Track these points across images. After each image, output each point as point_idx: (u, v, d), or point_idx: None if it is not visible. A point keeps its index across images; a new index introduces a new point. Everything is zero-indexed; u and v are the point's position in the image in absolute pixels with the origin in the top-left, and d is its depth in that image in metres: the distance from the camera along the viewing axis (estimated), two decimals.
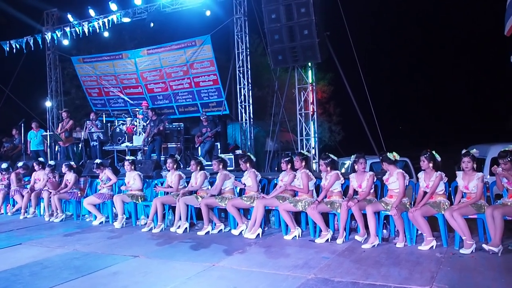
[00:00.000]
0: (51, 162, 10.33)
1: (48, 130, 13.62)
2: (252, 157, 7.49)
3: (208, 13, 13.07)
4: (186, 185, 8.03)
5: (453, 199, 6.12)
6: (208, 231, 7.25)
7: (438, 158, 6.08)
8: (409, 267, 5.06)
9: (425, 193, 6.06)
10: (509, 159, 5.61)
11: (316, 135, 11.33)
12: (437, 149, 6.22)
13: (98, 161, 9.03)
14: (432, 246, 5.74)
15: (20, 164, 10.71)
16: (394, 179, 6.18)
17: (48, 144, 12.62)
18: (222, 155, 7.92)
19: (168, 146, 12.51)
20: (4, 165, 10.68)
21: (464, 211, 5.67)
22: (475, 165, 5.83)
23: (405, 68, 32.61)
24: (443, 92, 32.68)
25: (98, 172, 8.89)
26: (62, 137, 11.94)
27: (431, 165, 6.00)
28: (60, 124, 12.49)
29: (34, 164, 10.09)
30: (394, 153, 6.31)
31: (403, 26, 29.86)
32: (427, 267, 5.01)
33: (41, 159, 10.61)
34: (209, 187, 7.78)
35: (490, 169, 10.30)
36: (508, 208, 5.55)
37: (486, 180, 6.23)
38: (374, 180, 6.59)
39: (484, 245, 5.45)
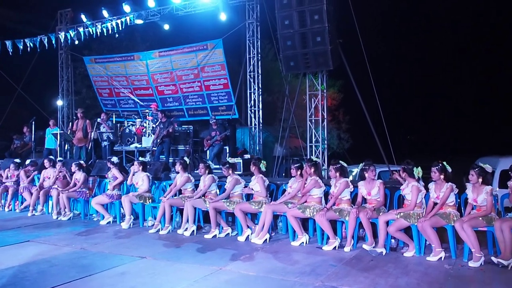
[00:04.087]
0: (60, 159, 10.42)
1: (58, 129, 13.69)
2: (262, 166, 7.43)
3: (223, 16, 13.09)
4: (195, 188, 8.06)
5: (463, 211, 6.09)
6: (215, 235, 7.24)
7: (449, 169, 6.05)
8: (417, 277, 5.03)
9: (435, 204, 6.03)
10: None
11: (325, 142, 11.31)
12: (447, 160, 6.19)
13: (114, 159, 9.03)
14: (441, 257, 5.70)
15: (28, 161, 10.80)
16: (408, 191, 6.16)
17: (58, 143, 12.70)
18: (231, 159, 7.92)
19: (177, 148, 12.54)
20: (17, 160, 10.82)
21: (475, 223, 5.64)
22: (480, 179, 5.77)
23: (416, 77, 32.54)
24: (454, 102, 32.53)
25: (109, 165, 8.91)
26: (80, 136, 12.02)
27: (442, 176, 5.97)
28: (75, 124, 12.54)
29: (45, 162, 10.16)
30: (419, 170, 6.27)
31: (415, 36, 29.81)
32: (436, 278, 4.99)
33: (51, 157, 10.67)
34: (217, 190, 7.79)
35: (499, 182, 10.29)
36: None
37: (496, 193, 6.18)
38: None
39: (493, 258, 5.42)
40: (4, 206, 10.45)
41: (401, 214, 6.01)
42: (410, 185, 6.17)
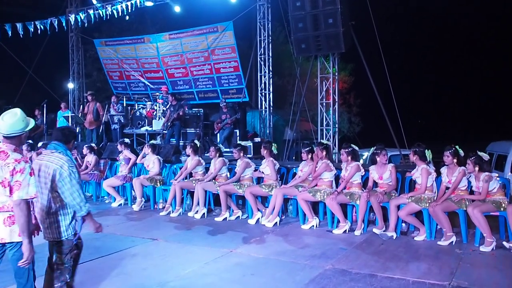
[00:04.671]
0: None
1: (70, 112, 13.76)
2: (273, 149, 7.45)
3: None
4: (205, 171, 8.08)
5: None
6: (226, 218, 7.29)
7: (462, 153, 6.00)
8: (428, 261, 5.03)
9: (447, 188, 5.98)
10: None
11: (336, 126, 11.24)
12: (459, 144, 6.13)
13: (126, 140, 9.12)
14: (452, 242, 5.69)
15: (39, 144, 10.88)
16: (418, 174, 6.12)
17: (70, 125, 12.76)
18: (242, 142, 7.93)
19: (187, 131, 12.55)
20: (29, 141, 10.92)
21: (485, 208, 5.60)
22: (477, 168, 5.76)
23: (428, 61, 32.08)
24: (466, 86, 32.03)
25: (120, 148, 8.98)
26: (91, 119, 12.08)
27: (455, 160, 5.93)
28: (86, 107, 12.57)
29: None
30: (430, 153, 6.24)
31: (427, 20, 29.30)
32: (446, 263, 4.97)
33: None
34: (228, 173, 7.81)
35: None
36: None
37: (507, 177, 6.12)
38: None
39: (504, 243, 5.41)
40: None
41: (413, 198, 5.99)
42: (419, 168, 6.13)
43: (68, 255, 3.64)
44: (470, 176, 5.95)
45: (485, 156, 5.87)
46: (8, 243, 3.33)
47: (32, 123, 3.52)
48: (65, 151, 3.64)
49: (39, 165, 3.57)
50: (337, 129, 11.30)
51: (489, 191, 5.72)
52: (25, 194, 3.20)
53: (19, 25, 13.86)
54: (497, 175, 5.88)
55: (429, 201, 5.92)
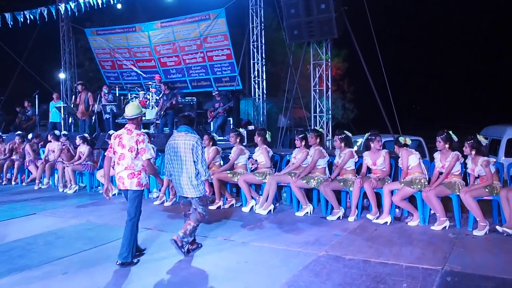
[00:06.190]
0: (65, 132, 10.42)
1: (62, 102, 13.64)
2: (267, 136, 7.42)
3: None
4: None
5: (468, 180, 6.06)
6: (220, 206, 7.28)
7: (455, 138, 5.99)
8: (421, 246, 5.05)
9: (440, 173, 5.99)
10: None
11: (330, 112, 11.21)
12: (453, 129, 6.12)
13: (112, 132, 9.04)
14: (445, 227, 5.71)
15: (30, 135, 10.82)
16: (401, 159, 6.18)
17: (62, 116, 12.67)
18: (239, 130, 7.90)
19: None
20: (19, 132, 10.88)
21: (476, 193, 5.62)
22: (474, 152, 5.77)
23: (422, 46, 32.04)
24: (460, 71, 32.00)
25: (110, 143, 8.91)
26: (83, 110, 11.98)
27: (447, 145, 5.92)
28: (78, 97, 12.45)
29: (49, 136, 10.16)
30: (406, 138, 6.29)
31: (421, 5, 29.15)
32: (440, 247, 4.99)
33: (56, 131, 10.63)
34: (221, 162, 7.78)
35: (506, 150, 10.21)
36: None
37: (501, 161, 6.13)
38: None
39: (497, 227, 5.42)
40: (11, 180, 10.53)
41: (406, 181, 5.99)
42: (400, 153, 6.23)
43: (207, 206, 5.13)
44: (467, 159, 5.92)
45: (483, 141, 5.86)
46: (129, 189, 4.77)
47: (144, 110, 4.68)
48: (193, 132, 5.00)
49: (177, 143, 4.93)
50: (330, 116, 11.27)
51: (483, 175, 5.73)
52: (149, 155, 4.81)
53: (8, 15, 13.68)
54: (494, 160, 5.87)
55: (421, 183, 5.92)
